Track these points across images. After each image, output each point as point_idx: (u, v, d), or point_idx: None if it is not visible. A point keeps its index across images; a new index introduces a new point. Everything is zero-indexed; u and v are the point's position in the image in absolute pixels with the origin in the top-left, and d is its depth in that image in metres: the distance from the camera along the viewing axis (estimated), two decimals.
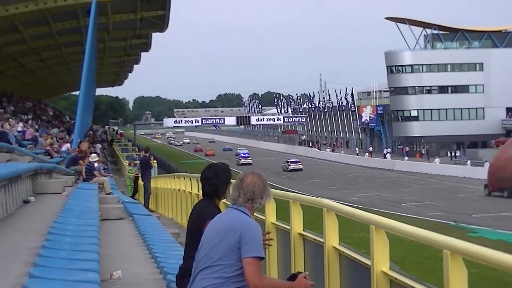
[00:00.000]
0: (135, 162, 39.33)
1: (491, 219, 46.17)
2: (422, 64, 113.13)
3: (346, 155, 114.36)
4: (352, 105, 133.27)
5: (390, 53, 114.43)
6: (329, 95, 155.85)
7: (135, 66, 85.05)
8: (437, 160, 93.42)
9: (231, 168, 6.38)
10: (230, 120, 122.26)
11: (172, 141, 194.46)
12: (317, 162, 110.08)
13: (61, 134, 42.11)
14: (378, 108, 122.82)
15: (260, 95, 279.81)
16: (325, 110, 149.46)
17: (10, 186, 12.36)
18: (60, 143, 34.85)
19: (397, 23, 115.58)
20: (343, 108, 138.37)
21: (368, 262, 6.67)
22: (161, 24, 52.21)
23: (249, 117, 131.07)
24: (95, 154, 26.99)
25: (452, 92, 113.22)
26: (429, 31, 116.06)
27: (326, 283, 7.66)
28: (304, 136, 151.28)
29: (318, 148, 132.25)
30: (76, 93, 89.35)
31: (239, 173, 5.73)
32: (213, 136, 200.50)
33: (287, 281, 5.32)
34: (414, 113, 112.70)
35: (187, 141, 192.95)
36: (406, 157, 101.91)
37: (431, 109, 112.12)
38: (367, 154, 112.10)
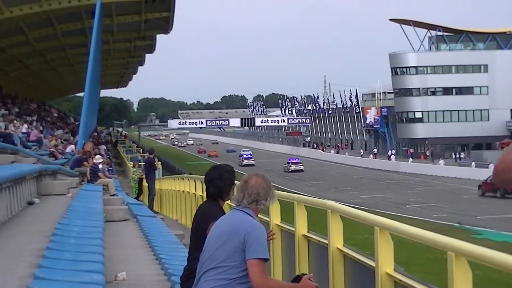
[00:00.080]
0: (140, 163, 39.28)
1: (496, 221, 46.10)
2: (427, 66, 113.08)
3: (351, 157, 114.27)
4: (357, 106, 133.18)
5: (395, 55, 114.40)
6: (333, 96, 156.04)
7: (139, 67, 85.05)
8: (441, 161, 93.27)
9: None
10: (235, 122, 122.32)
11: (176, 143, 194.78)
12: (321, 164, 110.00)
13: (65, 136, 42.15)
14: (383, 109, 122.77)
15: (264, 97, 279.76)
16: (330, 112, 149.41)
17: (14, 188, 12.37)
18: (64, 144, 34.89)
19: (402, 25, 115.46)
20: (348, 110, 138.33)
21: (372, 263, 6.67)
22: (166, 25, 52.19)
23: (254, 118, 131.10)
24: (99, 156, 27.01)
25: (456, 93, 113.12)
26: (433, 32, 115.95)
27: (331, 285, 7.66)
28: (309, 138, 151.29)
29: (323, 150, 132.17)
30: (81, 94, 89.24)
31: (243, 174, 5.73)
32: (217, 137, 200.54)
33: (292, 283, 5.32)
34: (418, 115, 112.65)
35: (191, 142, 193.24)
36: (411, 159, 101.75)
37: (436, 111, 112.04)
38: (371, 155, 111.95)
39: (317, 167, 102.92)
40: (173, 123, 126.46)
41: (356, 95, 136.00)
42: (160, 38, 61.03)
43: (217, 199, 6.13)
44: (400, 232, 6.13)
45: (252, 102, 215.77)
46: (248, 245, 5.08)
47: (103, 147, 57.20)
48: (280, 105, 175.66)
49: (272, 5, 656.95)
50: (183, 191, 23.11)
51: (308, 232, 8.88)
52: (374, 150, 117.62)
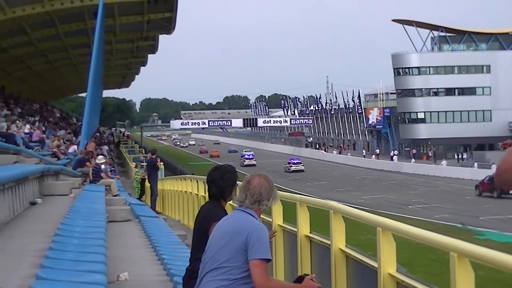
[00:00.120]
0: (142, 164, 39.27)
1: (499, 221, 46.08)
2: (429, 66, 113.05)
3: (353, 157, 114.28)
4: (359, 107, 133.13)
5: (397, 55, 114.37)
6: (336, 97, 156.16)
7: (142, 68, 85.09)
8: (444, 162, 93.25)
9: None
10: (237, 122, 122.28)
11: (178, 143, 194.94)
12: (323, 164, 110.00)
13: (68, 136, 42.17)
14: (385, 110, 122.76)
15: (267, 97, 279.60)
16: (332, 112, 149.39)
17: (17, 188, 12.38)
18: (67, 145, 34.91)
19: (404, 25, 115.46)
20: (350, 110, 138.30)
21: (375, 264, 6.66)
22: (168, 26, 52.20)
23: (256, 119, 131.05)
24: (102, 156, 27.01)
25: (459, 94, 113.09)
26: (436, 33, 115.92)
27: (333, 285, 7.65)
28: (311, 138, 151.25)
29: (325, 150, 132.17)
30: (83, 95, 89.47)
31: (244, 174, 5.73)
32: (220, 138, 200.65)
33: (294, 283, 5.32)
34: (421, 115, 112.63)
35: (193, 142, 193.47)
36: (413, 159, 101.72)
37: (438, 111, 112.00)
38: (374, 156, 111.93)
39: (319, 167, 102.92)
40: (175, 124, 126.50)
41: (359, 96, 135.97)
42: (163, 38, 61.12)
43: (219, 199, 6.12)
44: (403, 232, 6.13)
45: (255, 102, 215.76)
46: (250, 246, 5.08)
47: (106, 147, 57.19)
48: (282, 105, 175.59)
49: (274, 5, 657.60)
50: (186, 191, 23.11)
51: (310, 232, 8.88)
52: (376, 150, 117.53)
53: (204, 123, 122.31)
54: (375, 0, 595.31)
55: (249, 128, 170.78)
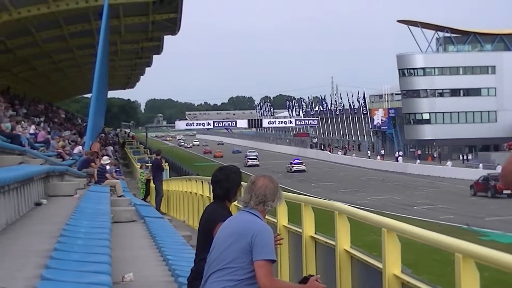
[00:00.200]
0: (147, 164, 39.32)
1: (504, 222, 45.97)
2: (434, 67, 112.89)
3: (358, 158, 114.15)
4: (364, 108, 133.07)
5: (402, 56, 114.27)
6: (341, 98, 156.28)
7: (147, 69, 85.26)
8: (449, 163, 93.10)
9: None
10: (242, 123, 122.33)
11: (182, 143, 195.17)
12: (328, 165, 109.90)
13: (73, 137, 42.21)
14: (390, 111, 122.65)
15: (271, 98, 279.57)
16: (337, 113, 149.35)
17: (22, 189, 12.40)
18: (72, 145, 34.94)
19: (409, 26, 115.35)
20: (355, 111, 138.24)
21: (380, 265, 6.66)
22: (173, 27, 52.29)
23: (261, 119, 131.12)
24: (107, 157, 27.05)
25: (464, 95, 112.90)
26: (441, 34, 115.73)
27: (338, 286, 7.65)
28: (316, 139, 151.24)
29: (330, 151, 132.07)
30: (88, 95, 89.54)
31: (248, 174, 5.73)
32: (225, 139, 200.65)
33: (299, 284, 5.31)
34: (426, 116, 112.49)
35: (197, 143, 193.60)
36: (418, 160, 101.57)
37: (443, 112, 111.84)
38: (379, 157, 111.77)
39: (324, 168, 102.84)
40: (180, 124, 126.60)
41: (364, 97, 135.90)
42: (168, 39, 61.18)
43: (224, 200, 6.12)
44: (408, 233, 6.12)
45: (260, 103, 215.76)
46: (255, 247, 5.08)
47: (111, 148, 57.29)
48: (287, 106, 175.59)
49: (280, 6, 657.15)
50: (190, 192, 23.14)
51: (315, 233, 8.87)
52: (381, 151, 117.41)
53: (209, 124, 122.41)
54: (380, 1, 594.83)
55: (254, 129, 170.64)
